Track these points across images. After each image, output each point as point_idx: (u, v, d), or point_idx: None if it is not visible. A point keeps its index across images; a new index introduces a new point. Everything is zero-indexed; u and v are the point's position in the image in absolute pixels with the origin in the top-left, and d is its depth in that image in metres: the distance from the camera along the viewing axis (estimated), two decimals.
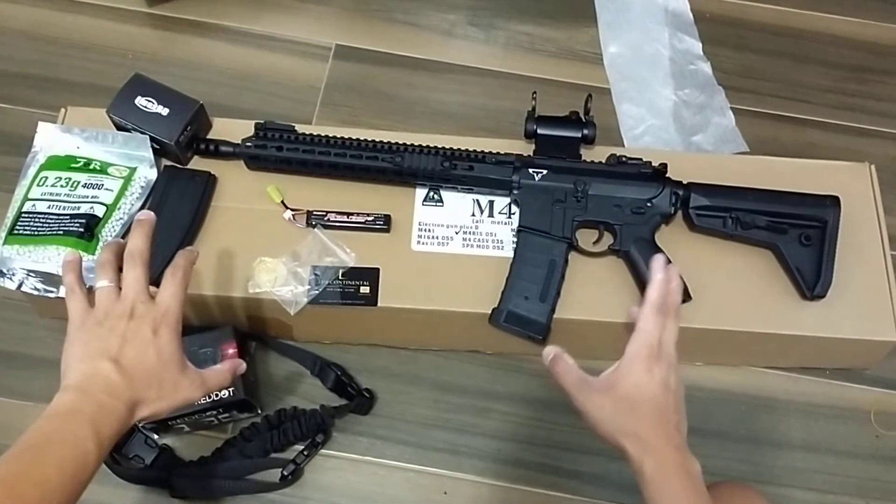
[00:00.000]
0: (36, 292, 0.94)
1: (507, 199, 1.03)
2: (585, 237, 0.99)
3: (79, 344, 0.70)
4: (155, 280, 0.94)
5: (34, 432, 0.63)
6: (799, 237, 0.98)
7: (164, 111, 0.99)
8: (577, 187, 0.98)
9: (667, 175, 0.99)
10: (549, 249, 0.97)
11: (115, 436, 0.66)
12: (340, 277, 0.97)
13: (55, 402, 0.65)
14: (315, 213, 1.00)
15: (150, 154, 1.00)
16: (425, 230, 1.01)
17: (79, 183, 0.97)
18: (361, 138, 1.00)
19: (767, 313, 0.99)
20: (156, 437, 0.98)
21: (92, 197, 0.96)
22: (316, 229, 0.99)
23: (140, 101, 0.99)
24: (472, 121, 1.25)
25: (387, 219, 1.00)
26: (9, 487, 0.57)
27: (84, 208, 0.95)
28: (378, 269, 0.98)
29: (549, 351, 0.77)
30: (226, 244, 0.99)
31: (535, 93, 1.02)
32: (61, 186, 0.97)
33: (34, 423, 0.63)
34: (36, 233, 0.93)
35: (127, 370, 0.68)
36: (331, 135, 1.00)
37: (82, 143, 1.00)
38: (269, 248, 0.98)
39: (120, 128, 1.01)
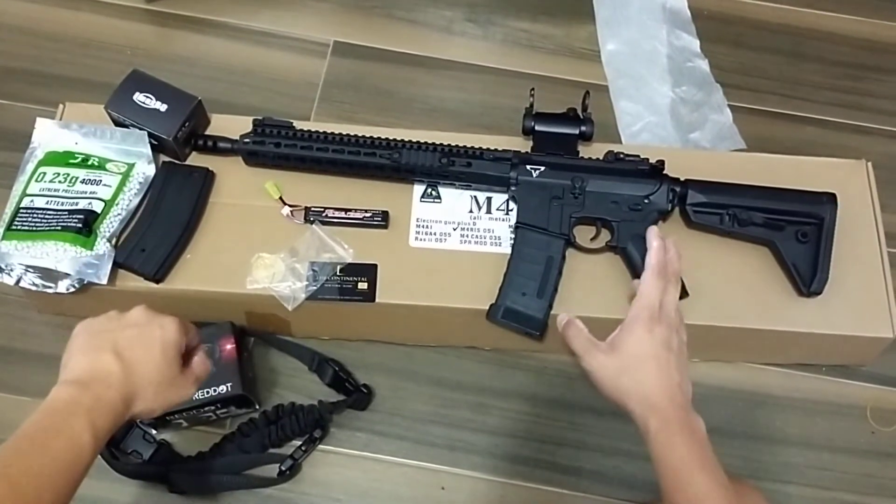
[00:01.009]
0: (34, 288, 0.94)
1: (505, 196, 1.03)
2: (583, 234, 1.00)
3: (86, 335, 0.70)
4: (153, 275, 0.95)
5: (31, 425, 0.63)
6: (796, 234, 0.98)
7: (163, 107, 0.99)
8: (574, 184, 0.98)
9: (664, 172, 1.00)
10: (547, 246, 0.97)
11: (110, 429, 0.66)
12: (338, 273, 0.97)
13: (53, 395, 0.65)
14: (313, 209, 1.00)
15: (148, 150, 1.00)
16: (423, 226, 1.01)
17: (77, 179, 0.97)
18: (359, 135, 1.00)
19: (764, 310, 0.99)
20: (154, 432, 0.98)
21: (90, 192, 0.96)
22: (314, 225, 0.99)
23: (138, 97, 0.99)
24: (470, 117, 1.25)
25: (385, 215, 1.00)
26: (4, 477, 0.58)
27: (82, 204, 0.95)
28: (376, 266, 0.98)
29: (563, 317, 0.84)
30: (224, 240, 0.99)
31: (532, 89, 1.02)
32: (59, 182, 0.97)
33: (31, 415, 0.64)
34: (34, 228, 0.93)
35: (129, 363, 0.68)
36: (329, 131, 1.00)
37: (80, 138, 1.01)
38: (267, 244, 0.98)
39: (118, 124, 1.01)
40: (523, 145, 1.02)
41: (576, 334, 0.81)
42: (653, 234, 0.85)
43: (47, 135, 1.01)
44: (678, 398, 0.73)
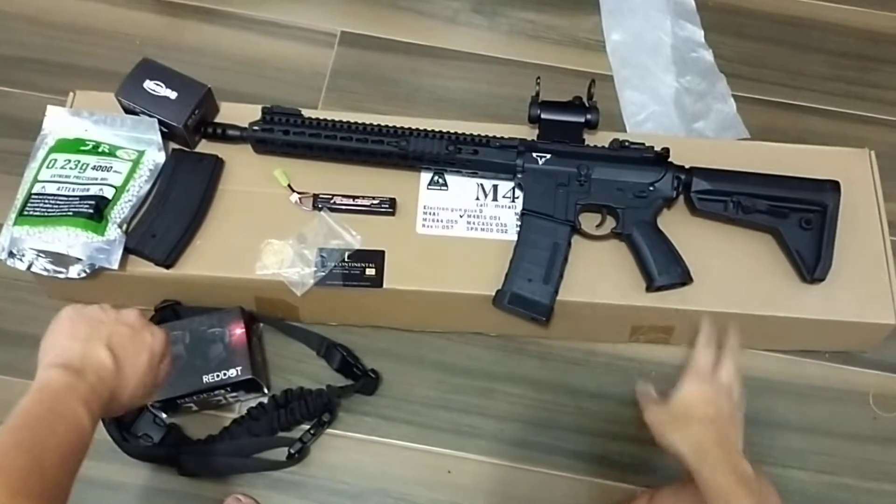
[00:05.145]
0: (45, 273, 0.95)
1: (511, 183, 1.04)
2: (588, 220, 1.01)
3: (79, 321, 0.70)
4: (164, 260, 0.96)
5: (33, 406, 0.63)
6: (799, 221, 0.99)
7: (173, 95, 1.00)
8: (580, 171, 0.99)
9: (669, 160, 1.00)
10: (553, 232, 0.98)
11: (100, 417, 0.67)
12: (346, 259, 0.99)
13: (51, 377, 0.65)
14: (321, 196, 1.01)
15: (158, 137, 1.01)
16: (430, 213, 1.02)
17: (88, 165, 0.98)
18: (367, 122, 1.01)
19: (767, 296, 1.00)
20: (164, 415, 0.99)
21: (101, 179, 0.97)
22: (322, 212, 1.00)
23: (149, 84, 1.00)
24: (476, 107, 1.26)
25: (392, 202, 1.01)
26: (27, 451, 0.59)
27: (93, 190, 0.96)
28: (383, 252, 0.99)
29: (642, 386, 0.89)
30: (233, 227, 1.00)
31: (538, 78, 1.03)
32: (70, 168, 0.98)
33: (29, 395, 0.64)
34: (46, 214, 0.94)
35: (120, 362, 0.69)
36: (336, 119, 1.01)
37: (91, 126, 1.02)
38: (276, 230, 0.99)
39: (128, 111, 1.02)
40: (529, 133, 1.03)
41: (643, 392, 0.87)
42: (705, 317, 0.89)
43: (58, 122, 1.02)
44: (725, 445, 0.77)
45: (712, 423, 0.79)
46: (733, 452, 0.77)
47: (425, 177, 1.04)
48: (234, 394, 0.99)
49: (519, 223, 1.00)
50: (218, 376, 0.95)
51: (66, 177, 0.97)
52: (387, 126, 1.01)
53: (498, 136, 1.01)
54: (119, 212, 0.97)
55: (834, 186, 1.00)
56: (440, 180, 1.04)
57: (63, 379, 0.65)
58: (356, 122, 1.01)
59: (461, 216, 1.03)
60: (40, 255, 0.95)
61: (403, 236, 1.01)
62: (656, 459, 1.03)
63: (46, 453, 0.60)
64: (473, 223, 1.02)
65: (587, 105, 1.03)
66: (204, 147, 1.04)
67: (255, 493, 0.98)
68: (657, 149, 1.00)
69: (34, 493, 0.56)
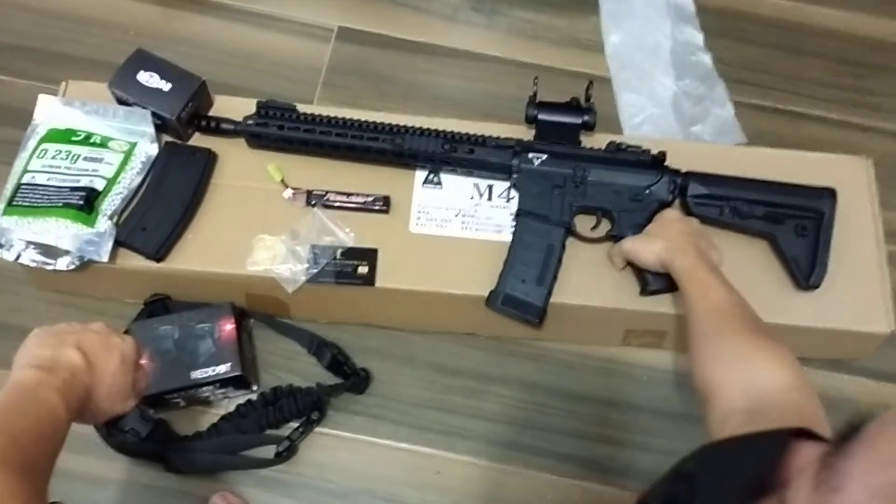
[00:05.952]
0: (34, 264, 0.94)
1: (507, 184, 1.03)
2: (583, 223, 1.00)
3: (45, 335, 0.71)
4: (154, 254, 0.95)
5: (8, 396, 0.64)
6: (795, 228, 0.98)
7: (166, 87, 0.99)
8: (576, 173, 0.99)
9: (665, 163, 1.00)
10: (548, 234, 0.98)
11: (77, 411, 0.67)
12: (339, 257, 0.98)
13: (19, 377, 0.66)
14: (315, 192, 1.00)
15: (151, 129, 1.00)
16: (424, 212, 1.02)
17: (79, 156, 0.97)
18: (362, 119, 1.00)
19: (761, 302, 0.98)
20: (151, 411, 0.98)
21: (92, 170, 0.96)
22: (315, 209, 0.99)
23: (142, 75, 0.99)
24: (473, 105, 1.25)
25: (386, 200, 1.01)
26: (4, 432, 0.60)
27: (84, 181, 0.95)
28: (376, 250, 0.99)
29: None
30: (225, 221, 0.99)
31: (536, 78, 1.02)
32: (61, 159, 0.97)
33: (2, 390, 0.64)
34: (35, 204, 0.93)
35: (91, 361, 0.70)
36: (332, 115, 1.00)
37: (83, 116, 1.00)
38: (268, 226, 0.98)
39: (121, 102, 1.01)
40: (526, 134, 1.02)
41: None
42: None
43: (49, 112, 1.01)
44: (701, 252, 0.89)
45: (685, 234, 0.92)
46: (704, 253, 0.89)
47: (420, 175, 1.04)
48: (222, 390, 0.98)
49: (513, 224, 0.99)
50: (206, 372, 0.95)
51: (57, 167, 0.96)
52: (382, 123, 1.00)
53: (494, 135, 1.00)
54: (110, 204, 0.96)
55: (830, 193, 0.99)
56: (435, 179, 1.04)
57: (35, 375, 0.66)
58: (351, 119, 1.00)
59: (455, 215, 1.02)
60: (29, 245, 0.94)
61: (397, 235, 1.00)
62: (646, 464, 1.03)
63: (22, 433, 0.61)
64: (468, 223, 1.02)
65: (584, 106, 1.02)
66: (197, 140, 1.03)
67: (242, 491, 0.97)
68: (654, 152, 1.00)
69: (13, 465, 0.58)
